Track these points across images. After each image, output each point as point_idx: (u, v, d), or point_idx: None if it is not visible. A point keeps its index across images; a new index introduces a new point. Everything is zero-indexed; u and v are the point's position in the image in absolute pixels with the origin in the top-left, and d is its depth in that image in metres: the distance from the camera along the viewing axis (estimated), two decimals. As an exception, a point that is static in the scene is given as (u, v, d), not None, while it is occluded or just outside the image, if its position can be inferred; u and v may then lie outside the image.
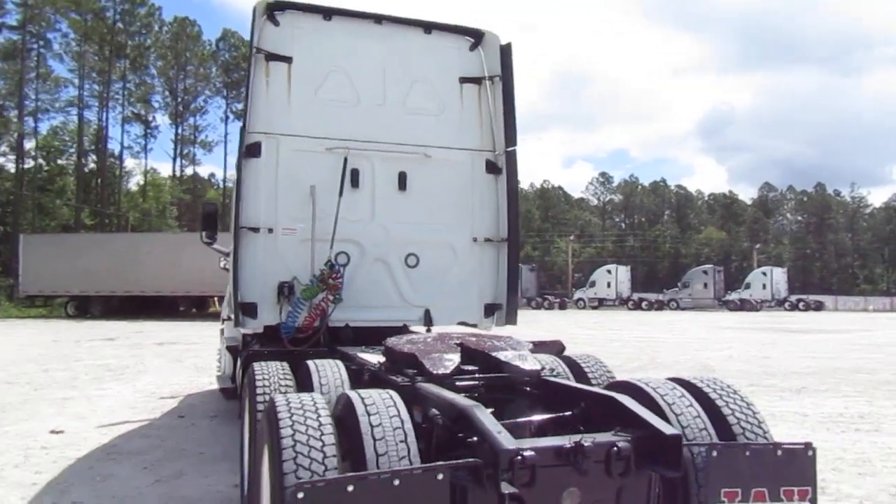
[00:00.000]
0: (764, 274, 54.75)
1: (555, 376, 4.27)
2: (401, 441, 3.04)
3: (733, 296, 53.51)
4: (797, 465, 3.31)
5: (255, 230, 6.08)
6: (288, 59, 6.20)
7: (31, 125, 58.62)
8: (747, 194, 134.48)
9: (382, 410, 3.17)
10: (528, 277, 55.51)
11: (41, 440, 6.89)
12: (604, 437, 3.18)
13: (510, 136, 6.70)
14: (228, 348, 7.50)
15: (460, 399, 3.34)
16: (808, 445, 3.33)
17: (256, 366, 4.60)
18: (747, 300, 51.73)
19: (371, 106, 6.48)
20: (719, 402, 3.70)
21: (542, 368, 4.26)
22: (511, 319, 6.71)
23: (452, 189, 6.71)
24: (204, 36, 73.42)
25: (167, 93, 71.98)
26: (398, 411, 3.19)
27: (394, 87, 6.53)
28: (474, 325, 6.74)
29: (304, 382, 4.43)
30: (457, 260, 6.70)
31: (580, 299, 55.91)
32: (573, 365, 5.09)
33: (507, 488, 2.82)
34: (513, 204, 6.76)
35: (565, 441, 3.05)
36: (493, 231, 6.80)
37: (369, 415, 3.14)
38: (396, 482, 2.71)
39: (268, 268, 6.10)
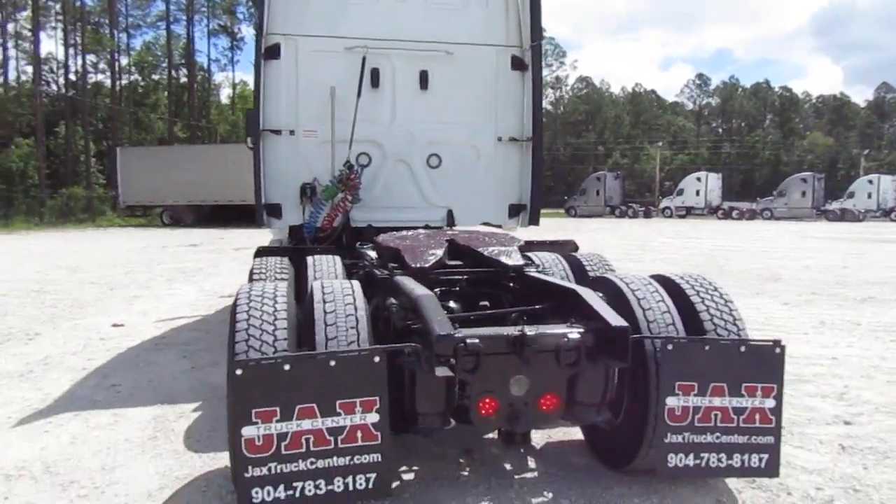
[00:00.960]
0: (870, 182, 50.98)
1: (541, 272, 4.24)
2: (351, 328, 3.14)
3: (834, 205, 50.33)
4: (763, 362, 3.22)
5: (277, 132, 6.21)
6: None
7: (124, 41, 60.82)
8: (862, 97, 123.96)
9: (339, 298, 3.28)
10: (612, 185, 54.17)
11: (102, 332, 7.54)
12: (555, 328, 3.19)
13: (536, 29, 6.42)
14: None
15: (417, 289, 3.39)
16: (776, 343, 3.23)
17: (256, 260, 4.81)
18: (849, 210, 48.54)
19: (391, 1, 6.34)
20: (694, 299, 3.60)
21: (527, 264, 4.24)
22: (534, 220, 6.64)
23: (476, 87, 6.56)
24: (284, -57, 72.43)
25: (250, 3, 72.34)
26: (354, 300, 3.28)
27: None
28: (498, 226, 6.72)
29: (302, 275, 4.61)
30: (480, 160, 6.64)
31: (666, 208, 54.21)
32: (575, 263, 5.04)
33: (442, 372, 2.89)
34: (538, 102, 6.55)
35: (510, 330, 3.07)
36: (518, 130, 6.66)
37: (325, 302, 3.25)
38: (332, 363, 2.83)
39: (290, 169, 6.25)
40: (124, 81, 60.68)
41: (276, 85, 6.19)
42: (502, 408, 3.13)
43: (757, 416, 3.24)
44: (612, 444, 3.66)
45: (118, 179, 36.64)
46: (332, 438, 2.87)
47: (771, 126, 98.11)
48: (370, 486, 2.93)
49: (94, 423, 4.53)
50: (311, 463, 2.86)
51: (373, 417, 2.90)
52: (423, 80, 6.44)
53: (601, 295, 3.59)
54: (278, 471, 2.82)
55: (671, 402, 3.16)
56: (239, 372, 2.73)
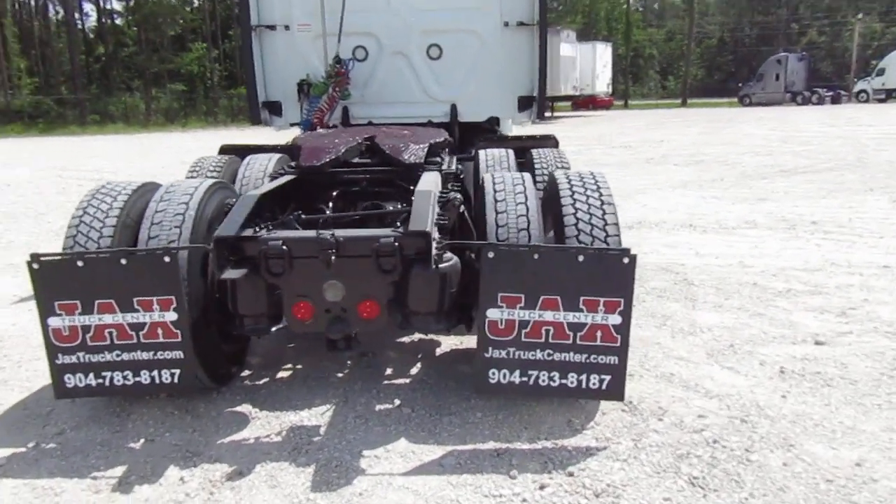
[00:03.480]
0: None
1: (448, 171, 3.95)
2: (175, 227, 3.17)
3: None
4: (607, 274, 2.83)
5: (272, 28, 6.15)
6: None
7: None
8: None
9: (176, 198, 3.30)
10: (795, 68, 47.93)
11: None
12: (371, 232, 3.00)
13: None
14: None
15: (253, 192, 3.32)
16: (623, 252, 2.82)
17: (195, 159, 4.92)
18: None
19: None
20: (566, 201, 3.21)
21: (430, 163, 3.97)
22: (539, 115, 6.13)
23: None
24: None
25: None
26: (190, 197, 3.29)
27: None
28: (506, 120, 6.32)
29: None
30: (485, 48, 6.16)
31: (862, 91, 47.32)
32: (529, 159, 4.69)
33: (230, 274, 2.86)
34: (546, -24, 5.89)
35: (320, 233, 2.94)
36: (528, 13, 6.06)
37: (161, 200, 3.29)
38: (124, 261, 2.90)
39: (288, 66, 6.21)
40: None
41: None
42: (318, 312, 3.05)
43: (598, 334, 2.89)
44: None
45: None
46: (133, 333, 2.98)
47: None
48: (175, 380, 3.03)
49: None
50: (117, 355, 3.00)
51: (171, 315, 2.95)
52: (419, -39, 6.01)
53: (456, 196, 3.32)
54: (87, 360, 3.00)
55: (492, 314, 2.89)
56: (35, 266, 2.88)
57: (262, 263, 2.93)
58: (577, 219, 3.13)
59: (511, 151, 4.66)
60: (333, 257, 2.89)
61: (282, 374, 3.76)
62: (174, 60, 46.99)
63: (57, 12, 55.27)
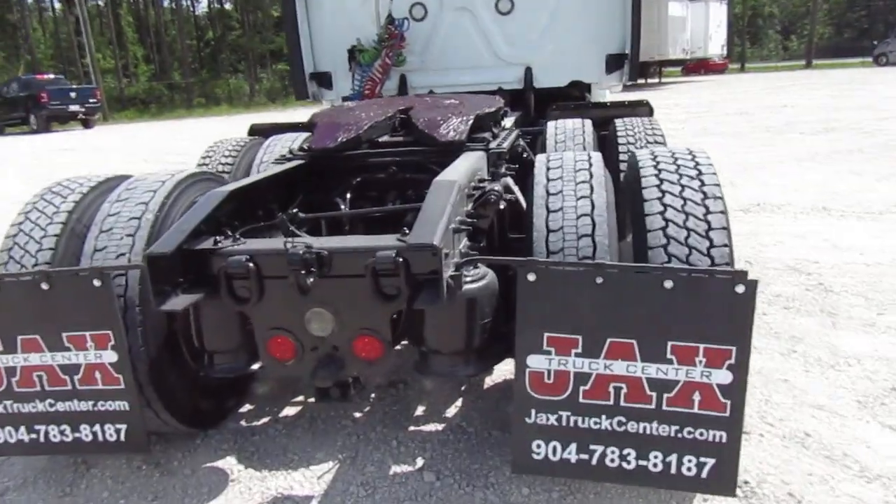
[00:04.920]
0: None
1: (496, 150, 3.02)
2: (129, 234, 2.45)
3: None
4: (709, 307, 1.88)
5: (320, -10, 5.38)
6: None
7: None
8: None
9: (135, 196, 2.58)
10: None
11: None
12: (366, 242, 2.16)
13: None
14: None
15: (222, 188, 2.54)
16: (737, 276, 1.84)
17: (212, 143, 4.21)
18: None
19: None
20: (650, 193, 2.25)
21: (473, 139, 3.06)
22: (633, 75, 5.04)
23: None
24: None
25: None
26: (152, 195, 2.57)
27: None
28: (594, 85, 5.28)
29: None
30: (565, -1, 5.13)
31: None
32: (613, 131, 3.69)
33: (172, 305, 2.09)
34: None
35: (291, 245, 2.12)
36: (618, -49, 4.96)
37: (117, 201, 2.58)
38: (45, 286, 2.21)
39: (337, 30, 5.44)
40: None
41: None
42: (302, 351, 2.24)
43: (696, 397, 1.93)
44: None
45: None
46: (66, 378, 2.29)
47: None
48: (121, 438, 2.32)
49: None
50: (50, 405, 2.33)
51: (109, 356, 2.24)
52: None
53: (496, 189, 2.41)
54: (15, 410, 2.35)
55: (536, 362, 1.99)
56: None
57: (223, 285, 2.15)
58: (666, 220, 2.14)
59: (589, 122, 3.67)
60: (311, 278, 2.07)
61: (287, 412, 3.00)
62: (276, 41, 47.68)
63: (171, 0, 57.56)
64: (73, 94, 26.96)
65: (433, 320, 2.22)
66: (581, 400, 1.99)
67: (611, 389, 1.97)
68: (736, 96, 22.12)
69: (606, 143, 3.75)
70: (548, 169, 2.39)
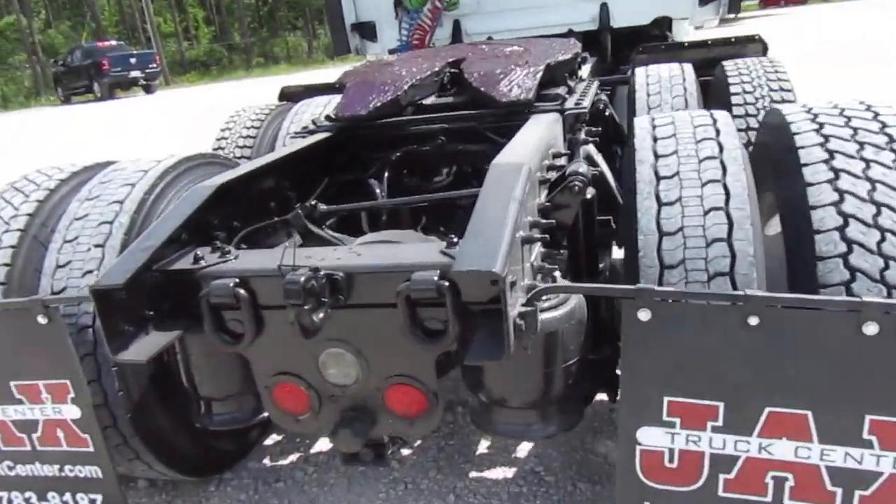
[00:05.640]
0: None
1: (575, 109, 2.31)
2: (98, 245, 1.89)
3: None
4: None
5: (357, -78, 4.67)
6: None
7: None
8: None
9: (109, 193, 2.01)
10: None
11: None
12: (394, 258, 1.52)
13: None
14: None
15: (208, 182, 1.92)
16: None
17: (233, 112, 3.60)
18: None
19: None
20: (814, 174, 1.53)
21: (542, 97, 2.36)
22: (732, 6, 4.16)
23: None
24: None
25: None
26: (130, 190, 2.00)
27: None
28: (681, 22, 4.42)
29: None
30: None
31: None
32: (720, 79, 2.90)
33: (133, 355, 1.52)
34: None
35: (288, 268, 1.51)
36: None
37: (87, 199, 2.01)
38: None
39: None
40: None
41: None
42: (318, 402, 1.65)
43: None
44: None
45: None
46: (24, 437, 1.78)
47: None
48: (97, 510, 1.80)
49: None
50: (10, 468, 1.82)
51: (71, 411, 1.70)
52: None
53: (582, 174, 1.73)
54: (-33, 472, 1.86)
55: (650, 437, 1.34)
56: None
57: (207, 318, 1.56)
58: (845, 216, 1.41)
59: (689, 67, 2.88)
60: (321, 312, 1.46)
61: (320, 446, 2.45)
62: (333, -5, 46.82)
63: (227, -41, 57.13)
64: (133, 60, 26.97)
65: (493, 367, 1.58)
66: (721, 494, 1.33)
67: (769, 480, 1.30)
68: (822, 29, 20.18)
69: (709, 94, 2.96)
70: (654, 140, 1.68)
